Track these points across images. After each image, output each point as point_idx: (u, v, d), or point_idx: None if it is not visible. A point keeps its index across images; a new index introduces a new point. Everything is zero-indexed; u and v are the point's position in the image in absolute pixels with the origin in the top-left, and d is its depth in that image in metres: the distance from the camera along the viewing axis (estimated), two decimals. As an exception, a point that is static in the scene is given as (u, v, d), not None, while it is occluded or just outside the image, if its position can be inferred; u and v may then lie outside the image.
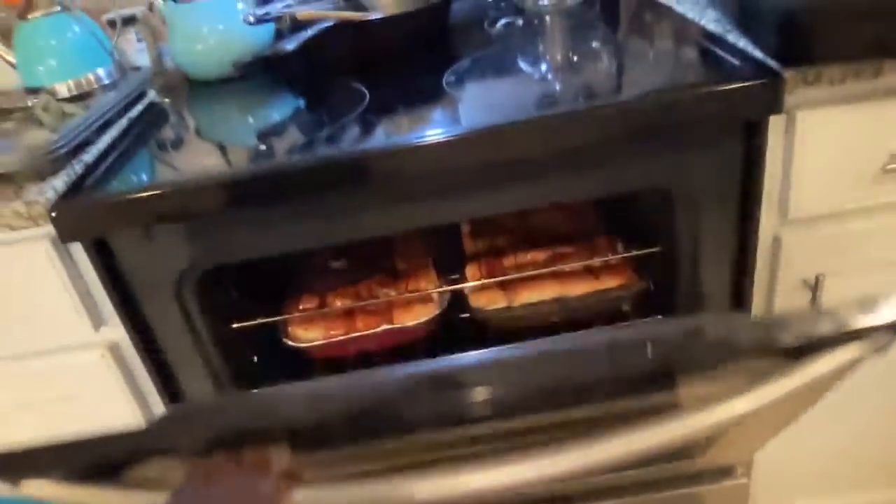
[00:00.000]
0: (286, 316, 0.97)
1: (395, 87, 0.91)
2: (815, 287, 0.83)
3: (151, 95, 1.03)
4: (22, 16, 0.93)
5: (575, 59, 0.91)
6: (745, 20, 0.80)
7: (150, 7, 1.06)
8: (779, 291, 0.86)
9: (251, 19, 0.91)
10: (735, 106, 0.73)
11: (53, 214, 0.74)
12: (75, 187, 0.79)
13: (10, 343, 0.86)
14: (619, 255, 0.93)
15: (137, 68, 1.05)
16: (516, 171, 0.78)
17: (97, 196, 0.77)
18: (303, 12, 0.89)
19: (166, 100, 1.03)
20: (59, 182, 0.78)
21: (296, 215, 0.80)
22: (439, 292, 0.98)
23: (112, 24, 1.02)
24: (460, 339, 0.96)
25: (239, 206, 0.77)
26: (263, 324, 0.95)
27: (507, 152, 0.75)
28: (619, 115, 0.74)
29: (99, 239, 0.79)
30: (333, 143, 0.79)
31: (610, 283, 0.94)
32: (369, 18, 0.93)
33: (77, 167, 0.82)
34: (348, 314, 0.98)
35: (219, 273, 0.87)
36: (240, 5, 1.01)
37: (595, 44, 0.96)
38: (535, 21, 1.06)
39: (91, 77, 0.98)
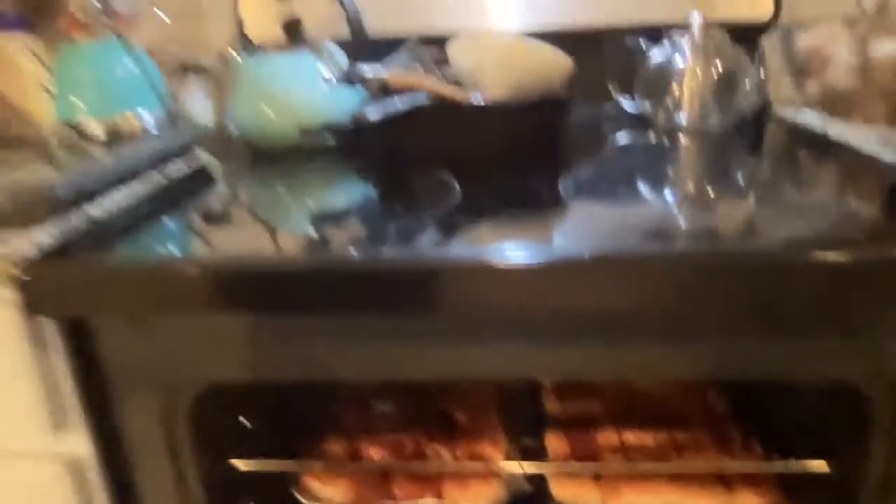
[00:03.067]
0: (301, 461, 0.72)
1: (492, 188, 0.71)
2: None
3: (202, 157, 0.86)
4: (69, 38, 0.79)
5: (736, 194, 0.70)
6: None
7: (222, 58, 0.90)
8: None
9: (334, 79, 0.73)
10: None
11: (24, 277, 0.54)
12: (66, 246, 0.59)
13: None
14: (770, 467, 0.67)
15: (191, 121, 0.89)
16: (644, 324, 0.55)
17: (86, 262, 0.57)
18: (396, 76, 0.71)
19: (220, 165, 0.85)
20: (45, 235, 0.59)
21: (342, 332, 0.58)
22: (508, 469, 0.72)
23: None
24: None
25: (271, 308, 0.56)
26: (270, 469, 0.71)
27: (634, 292, 0.52)
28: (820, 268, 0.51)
29: (78, 319, 0.59)
30: (405, 244, 0.58)
31: (748, 500, 0.67)
32: (473, 102, 0.74)
33: (76, 220, 0.62)
34: (383, 474, 0.73)
35: (226, 392, 0.65)
36: (322, 69, 0.85)
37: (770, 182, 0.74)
38: (665, 140, 0.87)
39: (132, 119, 0.81)
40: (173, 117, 0.84)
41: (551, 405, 0.81)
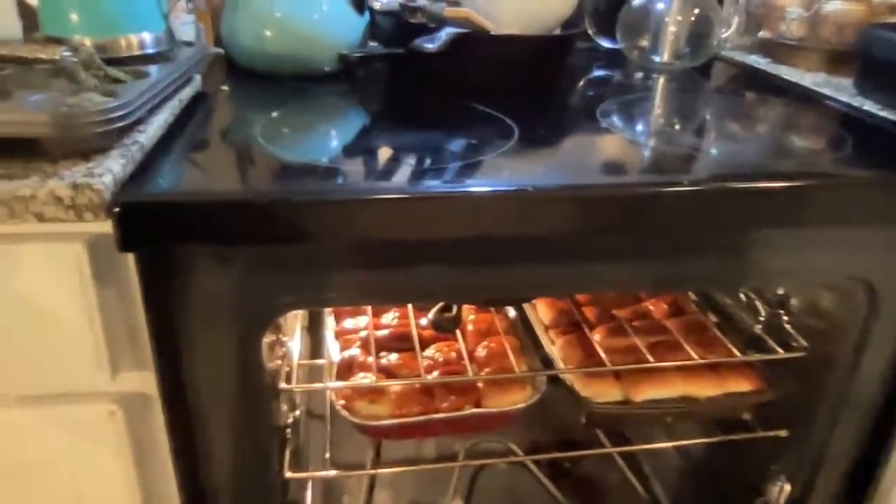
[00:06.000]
0: (351, 383, 0.76)
1: (540, 121, 0.75)
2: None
3: (198, 82, 0.81)
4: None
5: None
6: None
7: (207, -23, 0.85)
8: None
9: (376, 6, 0.73)
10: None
11: (117, 209, 0.52)
12: (138, 175, 0.57)
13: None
14: (761, 357, 0.80)
15: (189, 43, 0.83)
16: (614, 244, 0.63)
17: (181, 193, 0.55)
18: (450, 10, 0.73)
19: (224, 88, 0.81)
20: (115, 164, 0.55)
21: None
22: (534, 374, 0.80)
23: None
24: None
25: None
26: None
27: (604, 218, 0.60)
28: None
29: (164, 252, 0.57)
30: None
31: (738, 385, 0.81)
32: (509, 34, 0.78)
33: (134, 150, 0.59)
34: (425, 389, 0.78)
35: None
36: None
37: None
38: (640, 77, 0.96)
39: (133, 40, 0.75)
40: (172, 38, 0.79)
41: (546, 315, 0.90)
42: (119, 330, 0.60)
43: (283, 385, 0.72)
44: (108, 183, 0.53)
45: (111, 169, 0.54)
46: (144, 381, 0.63)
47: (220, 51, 0.89)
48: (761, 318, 0.87)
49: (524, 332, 0.89)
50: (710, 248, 0.65)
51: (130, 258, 0.57)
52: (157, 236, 0.54)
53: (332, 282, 0.61)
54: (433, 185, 0.58)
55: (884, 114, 0.78)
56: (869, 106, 0.80)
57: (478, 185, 0.57)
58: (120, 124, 0.58)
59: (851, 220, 0.65)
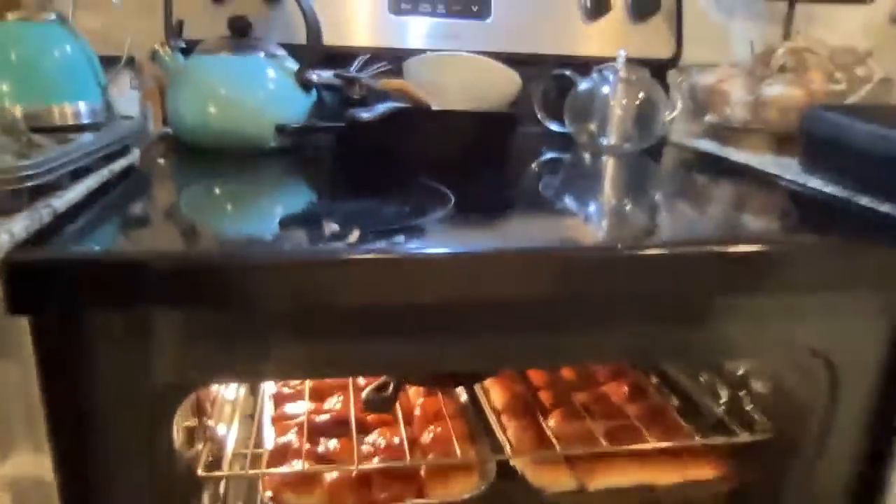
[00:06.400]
0: (278, 470, 0.69)
1: (485, 195, 0.74)
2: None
3: (135, 156, 0.79)
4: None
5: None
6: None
7: (153, 55, 0.85)
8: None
9: (314, 78, 0.72)
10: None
11: (6, 267, 0.48)
12: (42, 237, 0.53)
13: None
14: (723, 440, 0.75)
15: (129, 117, 0.82)
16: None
17: (81, 250, 0.52)
18: (389, 81, 0.73)
19: (161, 161, 0.79)
20: (17, 225, 0.52)
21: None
22: (481, 461, 0.74)
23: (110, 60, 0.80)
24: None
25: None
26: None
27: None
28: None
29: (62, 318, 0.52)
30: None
31: (701, 472, 0.75)
32: (442, 109, 0.77)
33: (44, 212, 0.56)
34: (361, 477, 0.72)
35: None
36: (270, 72, 0.83)
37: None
38: (587, 159, 0.96)
39: (67, 110, 0.73)
40: (110, 110, 0.78)
41: (497, 396, 0.85)
42: (14, 406, 0.55)
43: (200, 472, 0.65)
44: (3, 243, 0.49)
45: (11, 230, 0.51)
46: (40, 465, 0.56)
47: (168, 130, 0.88)
48: (723, 402, 0.82)
49: (475, 416, 0.84)
50: (669, 320, 0.61)
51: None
52: (53, 299, 0.50)
53: (258, 353, 0.57)
54: (355, 248, 0.55)
55: (829, 189, 0.78)
56: (814, 183, 0.80)
57: (406, 250, 0.54)
58: (28, 184, 0.55)
59: (803, 288, 0.63)
